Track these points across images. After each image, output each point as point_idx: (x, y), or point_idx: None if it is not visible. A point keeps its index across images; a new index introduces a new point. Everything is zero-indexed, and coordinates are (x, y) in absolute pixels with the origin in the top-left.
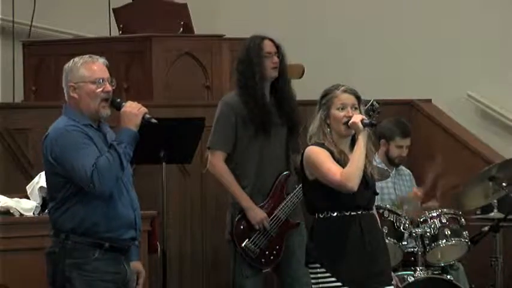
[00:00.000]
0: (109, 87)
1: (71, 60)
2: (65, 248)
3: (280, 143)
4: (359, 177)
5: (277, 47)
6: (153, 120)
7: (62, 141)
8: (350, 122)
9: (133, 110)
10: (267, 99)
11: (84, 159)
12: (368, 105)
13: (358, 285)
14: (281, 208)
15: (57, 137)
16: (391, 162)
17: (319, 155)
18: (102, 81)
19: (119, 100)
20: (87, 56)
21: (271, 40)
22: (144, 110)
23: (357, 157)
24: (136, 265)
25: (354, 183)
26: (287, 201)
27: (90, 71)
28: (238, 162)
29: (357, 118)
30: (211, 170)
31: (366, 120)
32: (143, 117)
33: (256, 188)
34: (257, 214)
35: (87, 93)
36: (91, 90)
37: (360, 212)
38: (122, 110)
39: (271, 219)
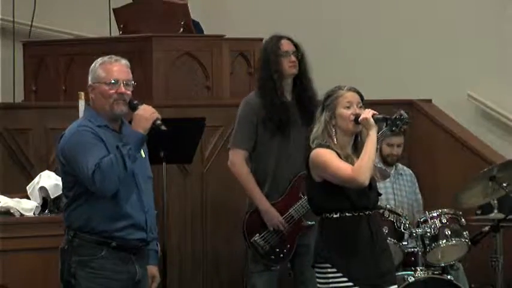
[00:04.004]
0: (123, 89)
1: (95, 61)
2: (72, 245)
3: (299, 143)
4: (370, 171)
5: (296, 45)
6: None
7: (71, 141)
8: (360, 118)
9: (145, 114)
10: (286, 98)
11: (88, 158)
12: (396, 114)
13: (369, 284)
14: (295, 208)
15: (68, 138)
16: (384, 161)
17: (326, 155)
18: (117, 82)
19: (136, 102)
20: (108, 56)
21: (289, 39)
22: (156, 115)
23: (368, 152)
24: (152, 269)
25: (365, 178)
26: (302, 202)
27: (106, 71)
28: (257, 161)
29: (368, 113)
30: (231, 168)
31: (378, 115)
32: (154, 123)
33: (273, 188)
34: (274, 217)
35: (100, 93)
36: (104, 91)
37: (367, 212)
38: (135, 112)
39: (283, 218)
